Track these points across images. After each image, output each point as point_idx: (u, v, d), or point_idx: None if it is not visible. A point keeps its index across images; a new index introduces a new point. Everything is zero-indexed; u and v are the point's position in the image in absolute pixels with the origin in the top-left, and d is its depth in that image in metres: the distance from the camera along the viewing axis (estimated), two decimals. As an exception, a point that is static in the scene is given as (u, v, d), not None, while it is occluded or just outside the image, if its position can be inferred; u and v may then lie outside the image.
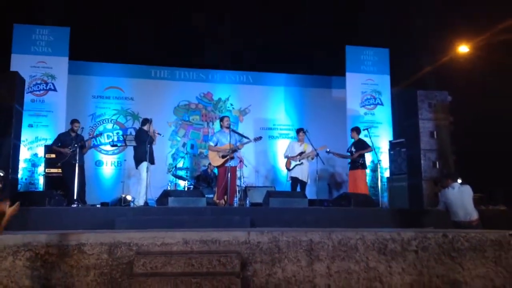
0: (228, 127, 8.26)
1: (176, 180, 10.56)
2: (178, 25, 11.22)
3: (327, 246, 4.81)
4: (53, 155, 9.05)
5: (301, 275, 4.70)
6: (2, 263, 4.38)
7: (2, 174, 6.35)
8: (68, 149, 8.10)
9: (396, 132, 11.09)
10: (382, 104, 11.53)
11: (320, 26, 11.33)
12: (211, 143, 8.39)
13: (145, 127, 8.40)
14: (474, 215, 6.19)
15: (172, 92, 11.91)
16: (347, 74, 11.46)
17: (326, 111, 12.11)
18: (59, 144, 8.32)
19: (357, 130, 9.39)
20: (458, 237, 4.98)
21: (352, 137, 9.41)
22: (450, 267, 4.88)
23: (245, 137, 8.44)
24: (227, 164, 8.04)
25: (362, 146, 9.08)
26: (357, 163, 8.98)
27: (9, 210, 3.76)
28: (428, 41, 11.15)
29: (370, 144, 9.04)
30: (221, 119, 8.57)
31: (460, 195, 6.22)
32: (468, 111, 9.90)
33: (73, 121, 8.60)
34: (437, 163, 7.96)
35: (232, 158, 8.09)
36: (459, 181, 6.72)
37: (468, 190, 6.28)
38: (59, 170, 8.80)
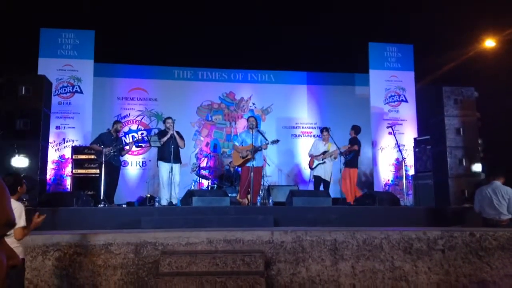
0: (252, 128, 8.29)
1: (199, 180, 10.65)
2: (199, 26, 11.30)
3: (352, 246, 4.79)
4: (80, 156, 9.24)
5: (325, 274, 4.70)
6: (32, 263, 4.51)
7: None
8: (109, 149, 8.23)
9: (421, 129, 10.90)
10: (406, 101, 11.37)
11: (343, 23, 11.25)
12: (236, 143, 8.55)
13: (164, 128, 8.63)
14: (505, 216, 5.99)
15: (195, 92, 11.99)
16: (371, 71, 11.34)
17: (350, 109, 11.99)
18: (99, 144, 8.41)
19: (353, 128, 9.53)
20: (486, 235, 4.90)
21: (350, 134, 9.52)
22: (478, 266, 4.81)
23: (265, 138, 8.48)
24: (249, 164, 8.06)
25: (350, 143, 9.23)
26: (346, 160, 9.15)
27: (35, 221, 3.85)
28: (453, 36, 10.94)
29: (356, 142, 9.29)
30: (247, 119, 8.71)
31: (494, 193, 6.04)
32: (495, 106, 9.68)
33: (116, 122, 8.83)
34: (464, 160, 7.80)
35: (253, 158, 8.06)
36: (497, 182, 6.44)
37: (506, 192, 6.06)
38: (87, 171, 8.98)
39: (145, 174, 11.16)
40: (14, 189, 3.81)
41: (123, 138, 10.90)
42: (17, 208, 3.70)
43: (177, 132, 8.50)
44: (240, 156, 8.23)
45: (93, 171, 9.01)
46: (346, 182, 9.05)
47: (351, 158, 9.10)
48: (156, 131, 11.20)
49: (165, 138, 8.35)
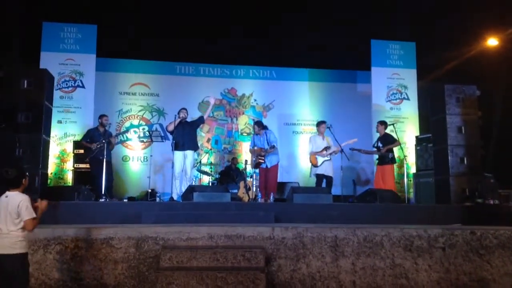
0: (258, 133, 8.64)
1: (200, 175, 10.65)
2: (202, 21, 11.28)
3: (352, 243, 4.80)
4: (81, 151, 9.24)
5: (325, 271, 4.70)
6: (33, 256, 4.51)
7: (27, 173, 6.48)
8: (96, 145, 8.21)
9: (423, 127, 10.90)
10: (408, 99, 11.36)
11: (345, 20, 11.22)
12: (251, 147, 8.92)
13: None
14: None
15: (196, 88, 11.98)
16: (373, 69, 11.33)
17: (351, 106, 11.99)
18: (88, 140, 8.46)
19: (384, 124, 9.15)
20: (487, 234, 4.90)
21: (378, 131, 9.18)
22: (478, 264, 4.81)
23: (268, 142, 8.67)
24: (262, 165, 8.50)
25: (390, 141, 8.89)
26: (387, 158, 8.77)
27: (41, 205, 3.83)
28: (455, 34, 10.91)
29: (396, 138, 8.92)
30: (252, 126, 9.15)
31: None
32: (497, 105, 9.67)
33: (102, 116, 8.72)
34: (465, 158, 7.80)
35: (263, 161, 8.44)
36: None
37: None
38: (88, 166, 8.96)
39: (146, 169, 11.16)
40: (19, 182, 3.75)
41: (127, 134, 10.92)
42: (23, 200, 3.66)
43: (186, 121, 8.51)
44: (254, 160, 8.66)
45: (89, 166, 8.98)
46: (386, 178, 8.74)
47: (393, 155, 8.81)
48: (158, 126, 11.24)
49: (172, 126, 8.30)
